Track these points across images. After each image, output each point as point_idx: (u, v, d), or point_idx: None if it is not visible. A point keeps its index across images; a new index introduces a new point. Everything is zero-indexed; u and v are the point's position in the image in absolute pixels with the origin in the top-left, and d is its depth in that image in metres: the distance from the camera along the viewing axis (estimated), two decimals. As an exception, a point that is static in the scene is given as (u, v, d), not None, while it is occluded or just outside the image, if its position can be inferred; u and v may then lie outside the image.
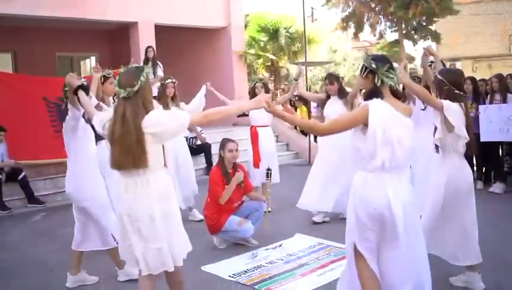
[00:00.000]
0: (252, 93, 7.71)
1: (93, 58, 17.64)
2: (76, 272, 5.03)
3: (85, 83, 4.78)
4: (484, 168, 9.00)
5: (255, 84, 7.74)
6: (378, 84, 3.49)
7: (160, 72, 11.64)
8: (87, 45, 16.46)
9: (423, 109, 6.00)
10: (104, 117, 3.64)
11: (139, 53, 12.78)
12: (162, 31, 13.68)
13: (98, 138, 6.02)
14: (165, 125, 3.41)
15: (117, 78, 3.54)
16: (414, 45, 26.59)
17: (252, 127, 7.81)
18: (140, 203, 3.47)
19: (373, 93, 3.51)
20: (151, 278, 3.61)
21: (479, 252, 4.49)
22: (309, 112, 13.96)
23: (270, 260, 5.56)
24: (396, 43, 25.92)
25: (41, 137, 9.45)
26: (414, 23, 24.83)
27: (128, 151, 3.38)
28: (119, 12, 12.98)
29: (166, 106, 6.68)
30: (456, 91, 4.36)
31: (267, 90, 7.62)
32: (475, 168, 8.95)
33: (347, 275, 3.70)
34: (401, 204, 3.38)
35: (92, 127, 4.93)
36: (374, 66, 3.51)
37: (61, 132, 9.86)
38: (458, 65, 29.39)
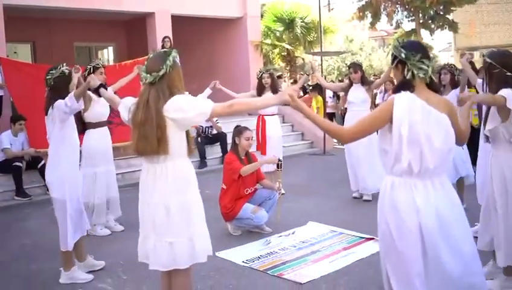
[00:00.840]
0: (259, 84, 7.81)
1: (110, 48, 17.83)
2: (83, 260, 5.14)
3: (67, 72, 4.90)
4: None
5: (262, 74, 7.82)
6: (408, 76, 3.04)
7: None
8: (105, 35, 16.65)
9: None
10: (129, 102, 3.56)
11: (156, 43, 12.92)
12: (179, 21, 13.78)
13: (87, 126, 6.24)
14: (186, 113, 3.25)
15: (145, 63, 3.45)
16: (431, 35, 26.43)
17: (259, 116, 7.98)
18: (157, 192, 3.35)
19: (403, 85, 3.07)
20: (182, 272, 3.46)
21: None
22: (324, 101, 13.99)
23: (283, 246, 5.65)
24: (413, 32, 25.76)
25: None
26: (431, 12, 24.67)
27: (147, 137, 3.26)
28: (135, 2, 13.09)
29: None
30: (508, 73, 3.97)
31: (273, 81, 7.76)
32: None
33: None
34: (434, 214, 2.92)
35: (76, 117, 5.08)
36: (403, 55, 3.06)
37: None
38: (476, 55, 29.13)
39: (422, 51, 3.06)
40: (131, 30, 16.60)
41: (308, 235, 6.02)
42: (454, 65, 6.94)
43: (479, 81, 5.72)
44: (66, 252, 4.86)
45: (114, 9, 12.99)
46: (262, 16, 16.76)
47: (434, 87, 3.12)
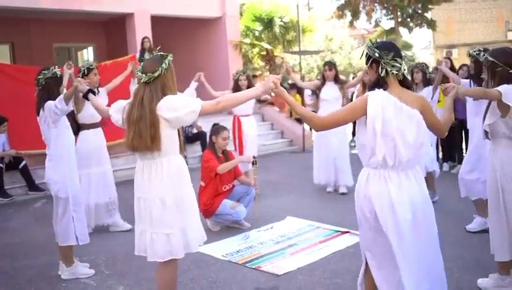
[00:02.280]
0: (235, 86, 7.89)
1: (90, 49, 17.81)
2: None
3: (59, 74, 4.98)
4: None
5: (238, 77, 7.95)
6: (382, 74, 3.21)
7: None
8: (84, 35, 16.65)
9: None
10: (120, 105, 3.69)
11: (135, 44, 13.00)
12: (158, 22, 13.86)
13: (81, 127, 6.24)
14: (179, 112, 3.42)
15: (141, 64, 3.61)
16: (410, 33, 26.74)
17: (234, 116, 8.12)
18: (153, 187, 3.52)
19: (377, 83, 3.25)
20: (169, 264, 3.62)
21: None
22: (303, 100, 14.16)
23: (262, 241, 5.81)
24: (393, 31, 26.05)
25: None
26: (409, 10, 24.95)
27: (141, 134, 3.43)
28: (115, 3, 13.14)
29: None
30: (511, 71, 3.97)
31: (250, 83, 7.84)
32: (462, 152, 9.22)
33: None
34: (408, 204, 3.14)
35: (68, 117, 5.17)
36: (377, 54, 3.23)
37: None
38: (454, 52, 29.57)
39: (394, 50, 3.23)
40: (111, 31, 16.62)
41: (286, 229, 6.19)
42: (425, 64, 7.24)
43: (464, 81, 5.80)
44: (66, 248, 4.96)
45: (93, 9, 13.02)
46: (241, 15, 16.89)
47: (407, 84, 3.30)
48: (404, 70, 3.25)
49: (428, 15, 26.16)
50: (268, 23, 17.25)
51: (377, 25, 27.22)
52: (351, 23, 26.53)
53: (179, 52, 15.68)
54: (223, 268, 5.01)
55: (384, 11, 26.21)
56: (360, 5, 25.49)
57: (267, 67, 17.75)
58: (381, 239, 3.18)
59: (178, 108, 3.42)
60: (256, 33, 17.48)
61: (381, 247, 3.20)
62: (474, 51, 5.02)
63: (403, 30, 26.18)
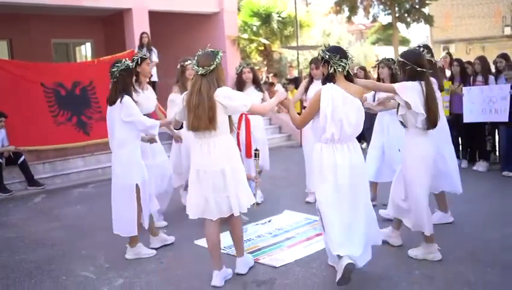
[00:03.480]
0: (239, 78, 7.18)
1: (88, 45, 17.83)
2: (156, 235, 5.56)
3: (131, 66, 5.25)
4: (469, 148, 9.30)
5: (242, 69, 7.22)
6: (331, 71, 4.26)
7: (155, 58, 11.90)
8: (83, 31, 16.67)
9: None
10: (178, 98, 4.67)
11: (133, 39, 13.03)
12: (156, 17, 13.89)
13: None
14: (233, 101, 4.28)
15: (195, 58, 4.37)
16: (407, 28, 26.83)
17: (242, 114, 7.19)
18: (213, 160, 4.29)
19: (327, 78, 4.32)
20: (216, 222, 4.47)
21: (431, 224, 4.82)
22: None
23: (259, 234, 5.88)
24: (390, 26, 26.12)
25: (40, 123, 9.73)
26: (407, 5, 25.03)
27: (201, 116, 4.21)
28: (113, -1, 13.16)
29: (185, 89, 5.96)
30: (418, 69, 4.66)
31: (255, 75, 7.25)
32: (460, 147, 9.28)
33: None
34: (347, 167, 4.25)
35: None
36: (327, 56, 4.27)
37: (57, 117, 10.10)
38: (452, 48, 29.60)
39: (341, 53, 4.28)
40: (109, 26, 16.65)
41: (284, 223, 6.25)
42: (392, 59, 6.46)
43: (368, 96, 5.83)
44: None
45: (91, 5, 13.05)
46: (239, 10, 16.92)
47: (350, 78, 4.35)
48: (348, 68, 4.28)
49: (426, 10, 26.24)
50: (266, 19, 17.28)
51: (374, 20, 27.34)
52: (349, 19, 26.64)
53: (176, 48, 15.71)
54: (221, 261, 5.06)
55: (381, 6, 26.31)
56: (358, 0, 25.57)
57: (265, 62, 17.79)
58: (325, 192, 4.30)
59: (232, 98, 4.29)
60: (254, 28, 17.54)
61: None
62: (401, 53, 5.19)
63: (400, 25, 26.28)
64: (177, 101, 5.37)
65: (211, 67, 4.26)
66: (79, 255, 5.48)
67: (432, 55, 5.82)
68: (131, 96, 5.14)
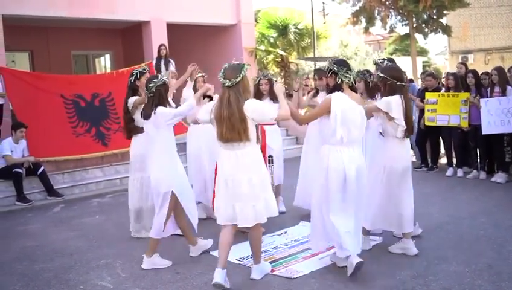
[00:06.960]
0: (257, 90, 7.05)
1: (107, 56, 18.05)
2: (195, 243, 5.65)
3: (167, 81, 5.45)
4: (487, 159, 9.21)
5: (259, 80, 7.13)
6: (339, 82, 4.81)
7: (172, 69, 12.02)
8: (102, 43, 16.88)
9: None
10: (209, 107, 4.68)
11: (151, 51, 13.16)
12: (174, 29, 14.02)
13: (137, 130, 6.22)
14: (260, 115, 4.49)
15: (222, 70, 4.57)
16: (425, 38, 26.69)
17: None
18: (242, 170, 4.49)
19: (335, 88, 4.84)
20: (256, 227, 4.70)
21: (411, 222, 5.37)
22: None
23: (275, 245, 5.89)
24: (408, 36, 26.02)
25: (59, 134, 9.85)
26: (424, 16, 24.91)
27: (234, 127, 4.41)
28: (130, 11, 13.30)
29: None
30: (398, 83, 5.17)
31: (272, 86, 6.99)
32: (478, 159, 9.21)
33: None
34: (354, 168, 4.76)
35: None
36: (336, 68, 4.81)
37: (76, 128, 10.18)
38: (470, 58, 29.37)
39: (347, 66, 4.86)
40: (128, 38, 16.83)
41: (300, 234, 6.26)
42: (368, 71, 6.37)
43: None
44: (155, 240, 5.34)
45: (109, 18, 13.17)
46: (256, 22, 17.00)
47: (354, 89, 4.94)
48: (353, 79, 4.88)
49: (444, 20, 26.08)
50: (283, 30, 17.35)
51: (392, 30, 27.21)
52: (366, 29, 26.51)
53: (194, 59, 15.76)
54: (236, 272, 5.08)
55: (399, 17, 26.17)
56: (375, 11, 25.47)
57: (282, 73, 17.83)
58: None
59: (259, 111, 4.49)
60: (271, 40, 17.60)
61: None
62: (380, 68, 5.55)
63: (418, 36, 26.14)
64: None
65: (237, 80, 4.46)
66: (97, 264, 5.54)
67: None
68: None
